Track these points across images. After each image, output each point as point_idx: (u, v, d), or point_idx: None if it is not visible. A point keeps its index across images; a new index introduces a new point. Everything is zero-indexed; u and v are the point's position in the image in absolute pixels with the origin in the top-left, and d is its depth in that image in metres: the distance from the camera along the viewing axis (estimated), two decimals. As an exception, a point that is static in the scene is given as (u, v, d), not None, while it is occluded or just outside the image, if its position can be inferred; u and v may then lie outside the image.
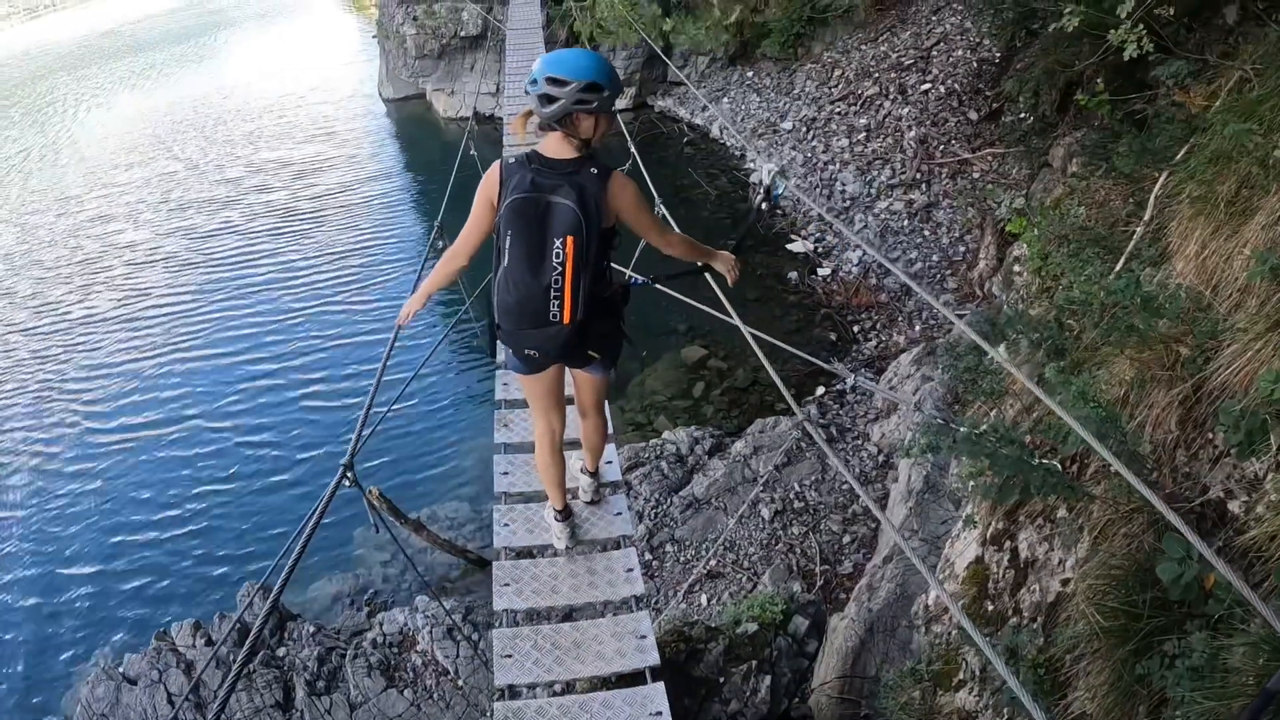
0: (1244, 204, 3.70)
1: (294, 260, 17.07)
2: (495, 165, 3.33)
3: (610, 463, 5.00)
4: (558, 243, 3.09)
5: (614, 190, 3.20)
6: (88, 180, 23.18)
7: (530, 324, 3.24)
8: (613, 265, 3.56)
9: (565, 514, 4.46)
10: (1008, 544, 4.74)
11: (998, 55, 14.39)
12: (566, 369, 3.95)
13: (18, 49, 47.15)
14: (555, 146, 3.22)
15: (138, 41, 42.44)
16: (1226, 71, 5.19)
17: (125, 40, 43.44)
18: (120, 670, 7.75)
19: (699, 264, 4.02)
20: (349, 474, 3.39)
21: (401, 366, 10.86)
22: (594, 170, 3.17)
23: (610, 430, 4.72)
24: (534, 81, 3.12)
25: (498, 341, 3.70)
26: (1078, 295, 4.73)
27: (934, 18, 16.72)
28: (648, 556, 8.80)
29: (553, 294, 3.14)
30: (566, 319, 3.18)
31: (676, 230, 4.04)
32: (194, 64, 35.93)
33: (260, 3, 48.48)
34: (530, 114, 3.30)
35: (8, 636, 9.64)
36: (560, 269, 3.10)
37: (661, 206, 5.53)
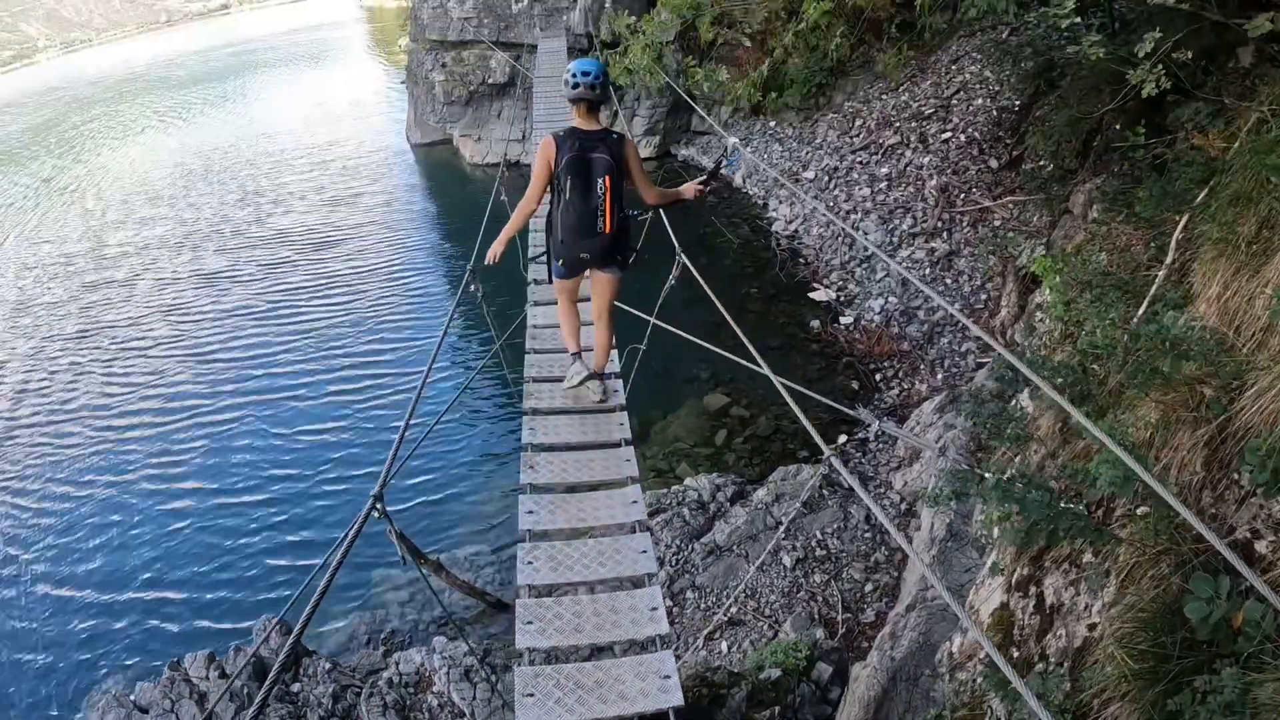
0: (1265, 244, 3.71)
1: (322, 301, 17.39)
2: (549, 138, 4.90)
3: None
4: (600, 181, 4.83)
5: (627, 147, 4.95)
6: (128, 209, 24.15)
7: (584, 235, 4.94)
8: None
9: (577, 355, 5.81)
10: (1033, 590, 4.69)
11: (1017, 104, 14.50)
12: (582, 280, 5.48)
13: (53, 80, 48.72)
14: (586, 122, 4.94)
15: (172, 79, 43.91)
16: (1244, 113, 5.23)
17: (160, 78, 44.88)
18: (132, 698, 7.74)
19: (675, 201, 5.56)
20: (378, 505, 3.43)
21: (430, 410, 10.97)
22: (615, 135, 4.93)
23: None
24: (585, 73, 4.84)
25: (546, 271, 5.42)
26: (1101, 340, 4.73)
27: (954, 67, 16.89)
28: (668, 603, 8.73)
29: (599, 213, 4.87)
30: (608, 229, 4.92)
31: (656, 186, 5.48)
32: (226, 104, 36.98)
33: (293, 47, 49.84)
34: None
35: (24, 658, 9.73)
36: (602, 197, 4.85)
37: (683, 256, 5.94)
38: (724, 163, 6.62)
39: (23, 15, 65.78)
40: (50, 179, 28.81)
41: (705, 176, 5.85)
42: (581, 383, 5.80)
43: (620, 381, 6.21)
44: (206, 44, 55.60)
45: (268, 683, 2.60)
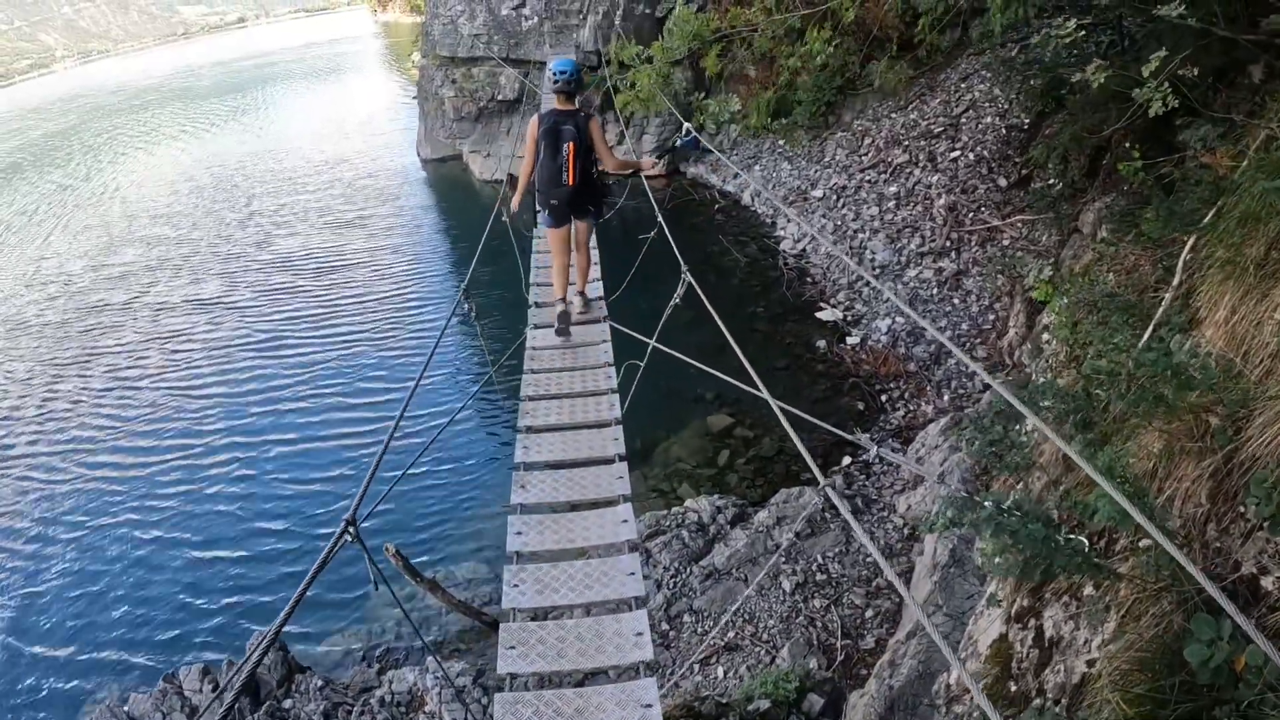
0: (1274, 266, 3.57)
1: (321, 315, 17.39)
2: (535, 117, 6.59)
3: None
4: (565, 146, 6.41)
5: (591, 123, 6.49)
6: (133, 227, 24.32)
7: (554, 185, 6.53)
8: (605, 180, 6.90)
9: (562, 299, 7.13)
10: (1033, 622, 4.54)
11: (1026, 122, 14.37)
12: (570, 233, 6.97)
13: (74, 89, 49.29)
14: (563, 105, 6.50)
15: (191, 91, 44.44)
16: (1253, 130, 5.09)
17: (180, 89, 45.43)
18: (125, 709, 7.68)
19: (633, 171, 7.52)
20: (351, 529, 3.33)
21: (425, 428, 10.82)
22: (583, 115, 6.47)
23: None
24: (562, 72, 6.36)
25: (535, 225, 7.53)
26: (1105, 365, 4.59)
27: (963, 85, 16.77)
28: (665, 626, 8.57)
29: (564, 169, 6.45)
30: (571, 182, 6.50)
31: (618, 156, 7.01)
32: (242, 116, 37.48)
33: (310, 61, 50.31)
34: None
35: (19, 669, 9.66)
36: (566, 157, 6.43)
37: (688, 274, 5.99)
38: (678, 143, 8.42)
39: (41, 25, 66.61)
40: (58, 194, 28.99)
41: (662, 157, 6.69)
42: (564, 326, 7.10)
43: (608, 324, 7.24)
44: (224, 56, 56.25)
45: (240, 678, 2.53)
